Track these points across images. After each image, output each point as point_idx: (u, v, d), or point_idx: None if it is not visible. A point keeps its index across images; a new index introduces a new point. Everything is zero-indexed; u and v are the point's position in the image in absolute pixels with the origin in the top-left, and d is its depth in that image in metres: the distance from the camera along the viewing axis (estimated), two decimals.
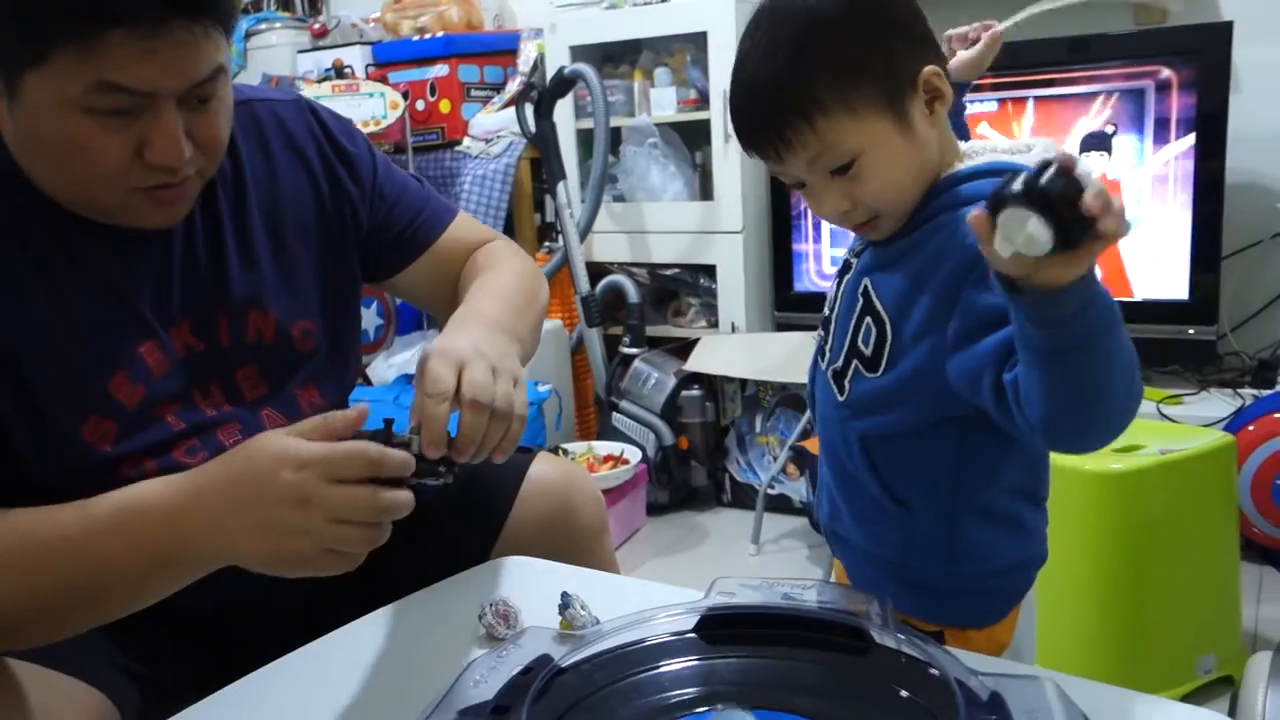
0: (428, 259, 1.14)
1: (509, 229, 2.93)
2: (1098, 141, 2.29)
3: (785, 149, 0.84)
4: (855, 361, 0.90)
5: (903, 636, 0.70)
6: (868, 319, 0.88)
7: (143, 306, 0.93)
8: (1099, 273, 0.68)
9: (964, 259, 0.79)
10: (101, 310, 0.91)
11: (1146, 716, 0.73)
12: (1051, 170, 0.61)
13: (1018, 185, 0.62)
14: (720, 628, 0.77)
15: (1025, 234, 0.62)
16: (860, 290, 0.89)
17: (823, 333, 0.96)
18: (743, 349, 2.59)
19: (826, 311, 0.96)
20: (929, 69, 0.84)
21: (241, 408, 0.99)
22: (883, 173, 0.84)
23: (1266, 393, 2.15)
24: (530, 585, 1.00)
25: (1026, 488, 0.93)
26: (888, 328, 0.86)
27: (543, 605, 0.90)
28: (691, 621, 0.77)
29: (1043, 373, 0.71)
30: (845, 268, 0.95)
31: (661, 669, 0.74)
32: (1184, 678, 1.54)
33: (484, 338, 0.89)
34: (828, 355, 0.94)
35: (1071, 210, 0.61)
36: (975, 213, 0.65)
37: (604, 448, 2.56)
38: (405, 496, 0.77)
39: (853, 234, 0.94)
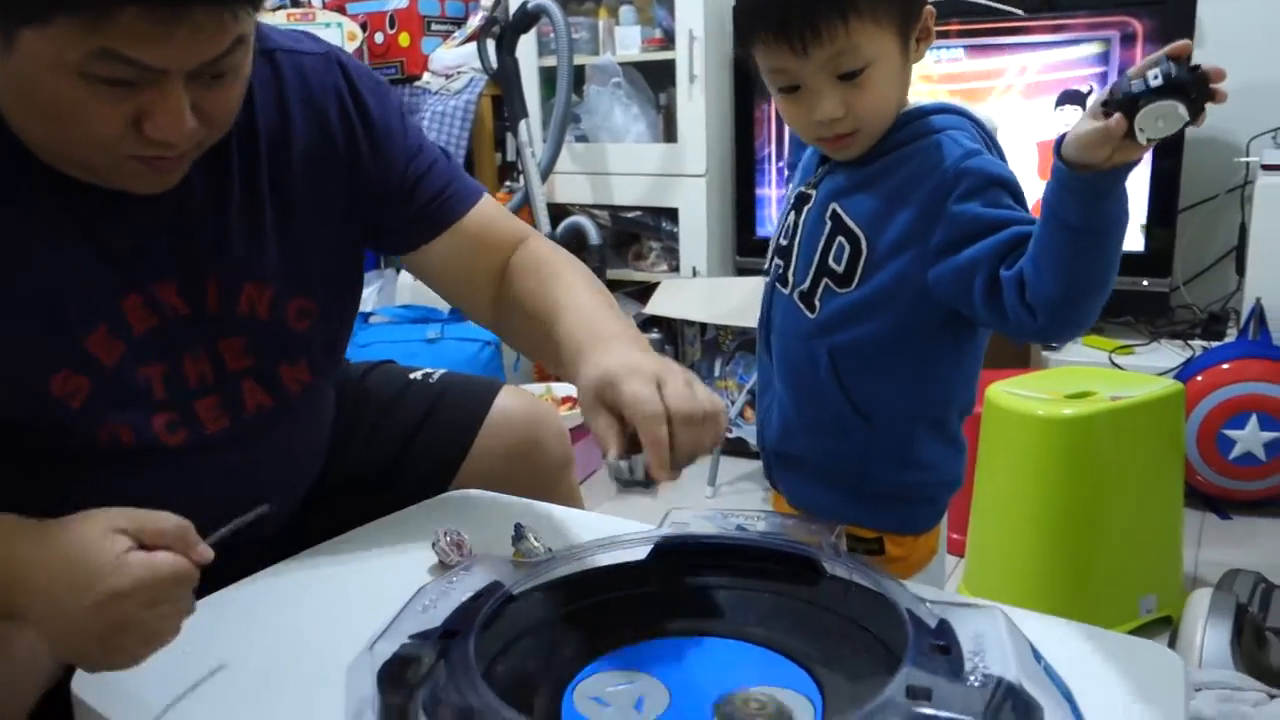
0: (453, 238, 1.05)
1: (469, 167, 2.88)
2: (1073, 97, 2.29)
3: (813, 41, 0.88)
4: (825, 280, 0.97)
5: (853, 565, 0.70)
6: (839, 238, 0.95)
7: (130, 258, 0.87)
8: None
9: (945, 179, 0.90)
10: (87, 261, 0.86)
11: (1092, 647, 0.74)
12: (1174, 65, 0.75)
13: (1153, 83, 0.75)
14: (674, 558, 0.76)
15: (1172, 118, 0.75)
16: (828, 214, 0.97)
17: (780, 261, 1.03)
18: (703, 293, 2.58)
19: (783, 241, 1.03)
20: (928, 7, 0.93)
21: (223, 378, 0.94)
22: (881, 88, 0.91)
23: (1215, 344, 2.18)
24: (484, 517, 0.99)
25: (964, 409, 1.02)
26: (862, 244, 0.94)
27: (496, 537, 0.89)
28: (645, 551, 0.77)
29: (1071, 250, 0.81)
30: (802, 199, 1.01)
31: (613, 597, 0.74)
32: (1126, 617, 1.58)
33: (647, 357, 0.84)
34: (791, 280, 1.00)
35: (1199, 87, 0.75)
36: (1113, 120, 0.75)
37: (562, 389, 2.55)
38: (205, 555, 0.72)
39: (797, 169, 1.06)
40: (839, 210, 0.96)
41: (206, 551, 0.72)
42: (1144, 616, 1.63)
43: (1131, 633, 1.62)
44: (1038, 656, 0.59)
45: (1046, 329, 0.86)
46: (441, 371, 1.23)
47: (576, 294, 0.99)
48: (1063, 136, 0.80)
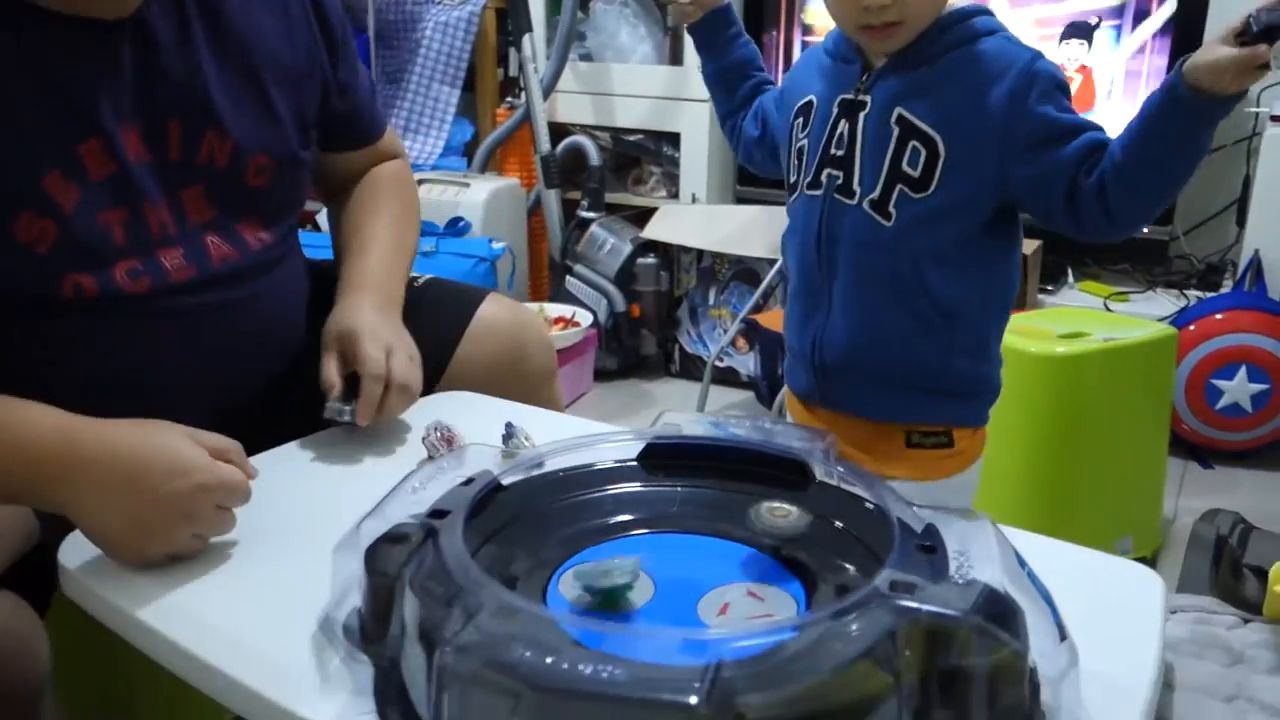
0: (354, 155, 1.18)
1: (469, 82, 2.83)
2: (1079, 31, 2.26)
3: None
4: (900, 186, 0.97)
5: (844, 471, 0.70)
6: (913, 143, 0.96)
7: (89, 101, 0.88)
8: None
9: (1021, 79, 0.92)
10: (43, 102, 0.85)
11: (1075, 563, 0.75)
12: None
13: None
14: (664, 458, 0.77)
15: None
16: (894, 119, 0.97)
17: (837, 172, 1.01)
18: (701, 220, 2.56)
19: (837, 152, 1.01)
20: None
21: (186, 230, 0.95)
22: None
23: (1211, 295, 2.18)
24: (475, 417, 0.99)
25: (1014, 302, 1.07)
26: (939, 146, 0.95)
27: (486, 438, 0.89)
28: (636, 450, 0.77)
29: (1171, 168, 0.89)
30: (852, 106, 1.00)
31: (602, 493, 0.74)
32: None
33: (388, 321, 1.02)
34: (858, 190, 0.99)
35: None
36: (1260, 49, 0.80)
37: (555, 309, 2.54)
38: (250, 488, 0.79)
39: (789, 88, 1.09)
40: (906, 115, 0.96)
41: (253, 470, 0.80)
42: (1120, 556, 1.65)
43: None
44: (1022, 563, 0.60)
45: (1118, 231, 0.94)
46: (428, 277, 1.22)
47: (378, 230, 1.13)
48: (1184, 62, 0.84)
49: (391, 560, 0.61)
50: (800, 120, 1.05)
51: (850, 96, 1.00)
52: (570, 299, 2.59)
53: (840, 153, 1.01)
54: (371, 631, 0.63)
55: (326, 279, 1.14)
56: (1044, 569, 0.62)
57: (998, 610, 0.53)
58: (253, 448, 0.93)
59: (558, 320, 2.50)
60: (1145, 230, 2.26)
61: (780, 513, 0.66)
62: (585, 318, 2.50)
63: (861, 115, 0.99)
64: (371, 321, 0.99)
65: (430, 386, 1.11)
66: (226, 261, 0.97)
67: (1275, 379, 2.00)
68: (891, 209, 0.97)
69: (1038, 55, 0.95)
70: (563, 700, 0.47)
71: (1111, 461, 1.59)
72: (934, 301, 0.99)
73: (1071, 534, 0.76)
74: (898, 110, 0.97)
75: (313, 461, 0.93)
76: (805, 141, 1.04)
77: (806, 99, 1.05)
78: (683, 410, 2.48)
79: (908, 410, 1.02)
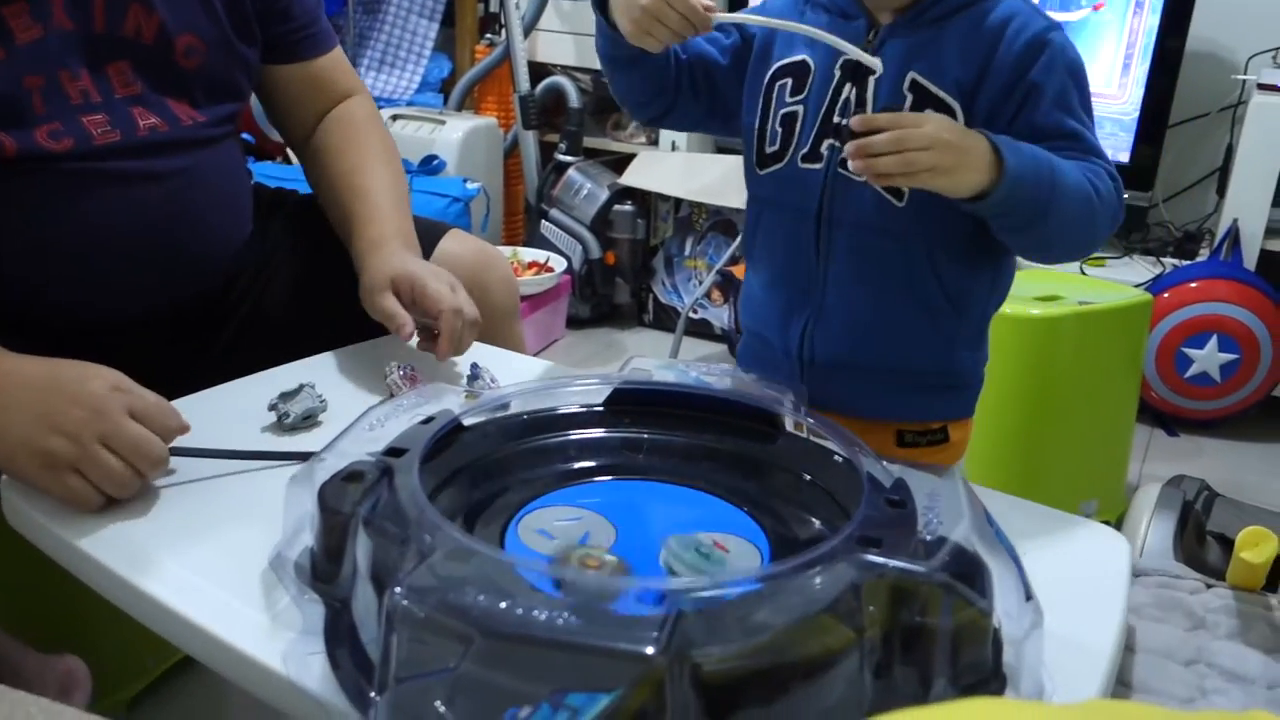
0: (297, 71, 1.14)
1: (449, 16, 2.77)
2: None
3: None
4: None
5: (813, 422, 0.69)
6: (928, 110, 0.84)
7: None
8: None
9: (1028, 53, 0.84)
10: None
11: (1043, 523, 0.74)
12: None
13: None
14: (631, 404, 0.75)
15: None
16: (907, 85, 0.85)
17: (839, 142, 0.88)
18: (681, 168, 2.52)
19: (841, 119, 0.88)
20: None
21: (111, 101, 0.95)
22: None
23: (1187, 263, 2.18)
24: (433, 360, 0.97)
25: None
26: (957, 115, 0.85)
27: (450, 379, 0.87)
28: (602, 395, 0.75)
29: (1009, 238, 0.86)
30: (861, 69, 0.87)
31: (566, 438, 0.73)
32: None
33: (429, 265, 1.02)
34: None
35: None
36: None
37: (529, 254, 2.50)
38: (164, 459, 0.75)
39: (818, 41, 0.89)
40: (920, 80, 0.85)
41: (183, 423, 0.76)
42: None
43: None
44: (990, 522, 0.59)
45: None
46: None
47: (378, 178, 1.11)
48: None
49: (345, 498, 0.59)
50: (789, 83, 0.92)
51: (850, 60, 0.87)
52: (545, 244, 2.56)
53: (846, 121, 0.87)
54: (323, 571, 0.61)
55: (282, 204, 1.12)
56: (1012, 528, 0.61)
57: (964, 568, 0.52)
58: (203, 364, 0.91)
59: (531, 265, 2.47)
60: (1126, 195, 2.25)
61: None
62: (559, 263, 2.47)
63: (872, 80, 0.87)
64: (423, 265, 1.00)
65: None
66: (155, 131, 0.97)
67: (1245, 349, 2.01)
68: (904, 187, 0.86)
69: (1052, 26, 0.86)
70: (515, 646, 0.45)
71: (1081, 424, 1.59)
72: (945, 291, 0.90)
73: (1038, 495, 0.75)
74: (911, 75, 0.86)
75: (270, 395, 0.91)
76: (799, 108, 0.91)
77: (796, 59, 0.92)
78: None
79: (902, 407, 0.94)
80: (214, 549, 0.68)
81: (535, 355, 2.35)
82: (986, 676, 0.53)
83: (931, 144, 0.78)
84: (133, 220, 0.96)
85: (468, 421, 0.70)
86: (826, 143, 0.89)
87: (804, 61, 0.91)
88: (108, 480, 0.71)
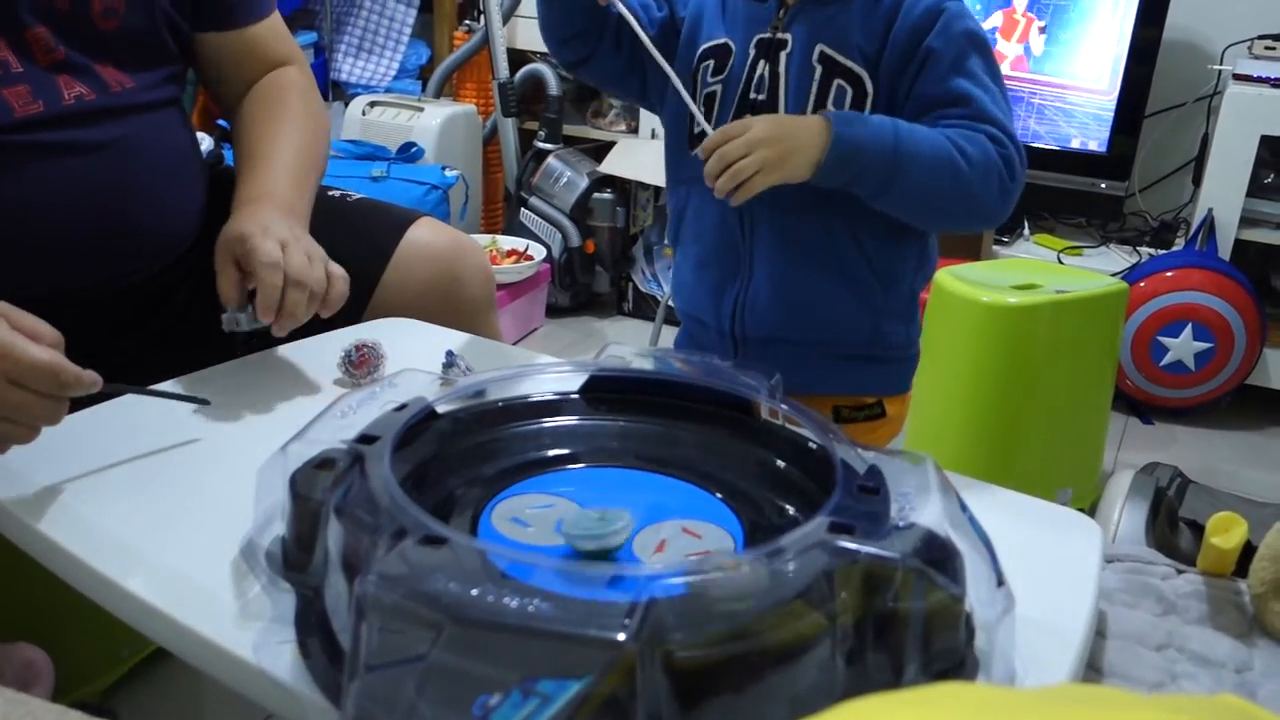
0: (230, 39, 1.10)
1: (427, 1, 2.74)
2: None
3: None
4: None
5: (788, 409, 0.68)
6: (838, 81, 0.88)
7: None
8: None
9: (923, 20, 0.87)
10: None
11: (1015, 510, 0.75)
12: None
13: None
14: (607, 391, 0.74)
15: None
16: (816, 57, 0.89)
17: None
18: (660, 156, 2.51)
19: (757, 96, 0.93)
20: None
21: (32, 69, 0.91)
22: None
23: (1163, 252, 2.20)
24: (412, 345, 0.96)
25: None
26: (866, 84, 0.88)
27: (425, 367, 0.87)
28: (578, 382, 0.75)
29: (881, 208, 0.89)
30: (771, 46, 0.92)
31: (540, 425, 0.72)
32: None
33: (285, 223, 0.92)
34: None
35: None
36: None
37: (508, 242, 2.50)
38: (90, 377, 0.70)
39: (696, 21, 0.97)
40: (829, 52, 0.89)
41: (84, 376, 0.70)
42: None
43: None
44: (963, 508, 0.59)
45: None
46: (359, 196, 1.18)
47: (280, 141, 1.05)
48: None
49: (317, 486, 0.58)
50: (711, 64, 0.96)
51: (768, 36, 0.92)
52: (524, 232, 2.55)
53: (760, 97, 0.92)
54: (294, 559, 0.61)
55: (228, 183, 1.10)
56: (985, 514, 0.61)
57: (936, 554, 0.53)
58: (156, 357, 0.89)
59: (510, 253, 2.46)
60: (1102, 185, 2.27)
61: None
62: (539, 251, 2.46)
63: (783, 55, 0.91)
64: (265, 222, 0.90)
65: (356, 312, 1.07)
66: (81, 100, 0.93)
67: (1219, 338, 2.03)
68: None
69: None
70: (486, 633, 0.45)
71: (1057, 412, 1.60)
72: (869, 265, 0.93)
73: (1013, 482, 0.76)
74: (820, 47, 0.90)
75: (235, 385, 0.90)
76: (718, 87, 0.95)
77: (719, 41, 0.96)
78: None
79: (837, 381, 0.97)
80: (183, 537, 0.67)
81: (514, 344, 2.34)
82: (958, 662, 0.54)
83: (750, 148, 0.83)
84: (63, 195, 0.92)
85: (441, 409, 0.69)
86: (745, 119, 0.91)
87: (726, 44, 0.95)
88: (35, 415, 0.68)
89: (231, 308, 0.89)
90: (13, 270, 0.90)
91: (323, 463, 0.59)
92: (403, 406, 0.66)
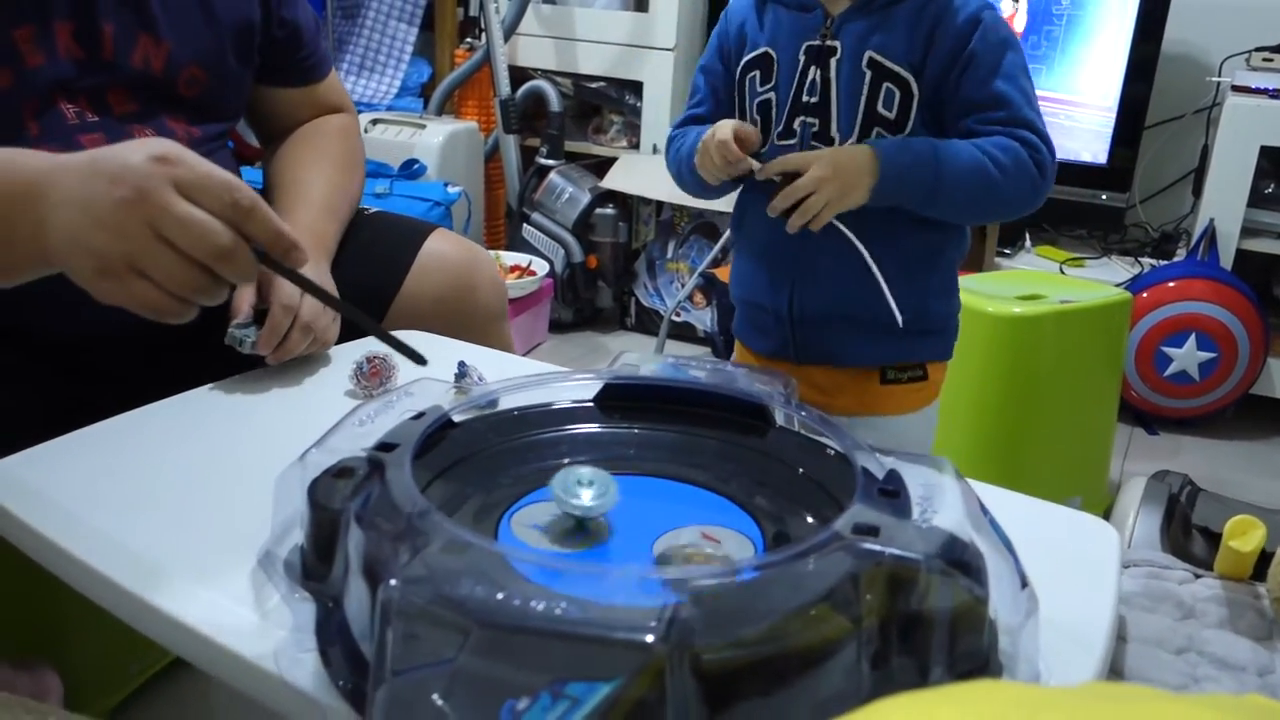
0: (300, 95, 1.16)
1: (428, 18, 2.76)
2: None
3: None
4: (877, 128, 0.98)
5: (804, 415, 0.69)
6: (886, 84, 0.97)
7: None
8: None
9: (965, 28, 0.95)
10: None
11: (1032, 515, 0.75)
12: None
13: None
14: (621, 399, 0.74)
15: None
16: (865, 63, 0.97)
17: (812, 119, 1.00)
18: (662, 170, 2.51)
19: (810, 99, 1.00)
20: None
21: (108, 119, 0.94)
22: None
23: (1164, 263, 2.20)
24: (426, 355, 0.96)
25: None
26: (911, 86, 0.97)
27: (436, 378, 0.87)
28: (593, 390, 0.75)
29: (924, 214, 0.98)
30: (822, 53, 0.99)
31: (557, 433, 0.72)
32: None
33: (314, 267, 0.95)
34: (836, 135, 1.00)
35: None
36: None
37: (511, 258, 2.50)
38: (247, 264, 0.65)
39: (725, 36, 1.07)
40: (877, 57, 0.97)
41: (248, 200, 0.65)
42: None
43: None
44: (984, 510, 0.59)
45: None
46: (375, 209, 1.19)
47: (312, 178, 1.08)
48: None
49: (336, 494, 0.58)
50: (757, 74, 1.03)
51: (817, 43, 1.00)
52: (527, 247, 2.55)
53: (814, 99, 1.00)
54: (314, 568, 0.61)
55: None
56: (1002, 519, 0.61)
57: (960, 556, 0.52)
58: (178, 376, 0.90)
59: (514, 269, 2.46)
60: (1103, 197, 2.28)
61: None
62: (541, 267, 2.46)
63: (833, 61, 0.99)
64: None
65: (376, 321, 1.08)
66: None
67: (1223, 347, 2.03)
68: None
69: (986, 6, 0.97)
70: (512, 637, 0.45)
71: (1063, 422, 1.60)
72: (916, 249, 1.01)
73: (1022, 490, 0.76)
74: (868, 54, 0.97)
75: (249, 397, 0.90)
76: (771, 94, 1.03)
77: (760, 52, 1.03)
78: None
79: (886, 353, 1.05)
80: (201, 547, 0.67)
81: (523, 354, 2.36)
82: (982, 664, 0.53)
83: (816, 186, 0.93)
84: None
85: (458, 418, 0.69)
86: (799, 120, 1.01)
87: (767, 53, 1.03)
88: (171, 280, 0.62)
89: (237, 323, 0.92)
90: (60, 304, 0.87)
91: (341, 471, 0.59)
92: (420, 415, 0.66)
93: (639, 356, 0.78)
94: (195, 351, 0.93)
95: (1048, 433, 1.59)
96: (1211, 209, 2.10)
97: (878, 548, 0.51)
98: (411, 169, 2.41)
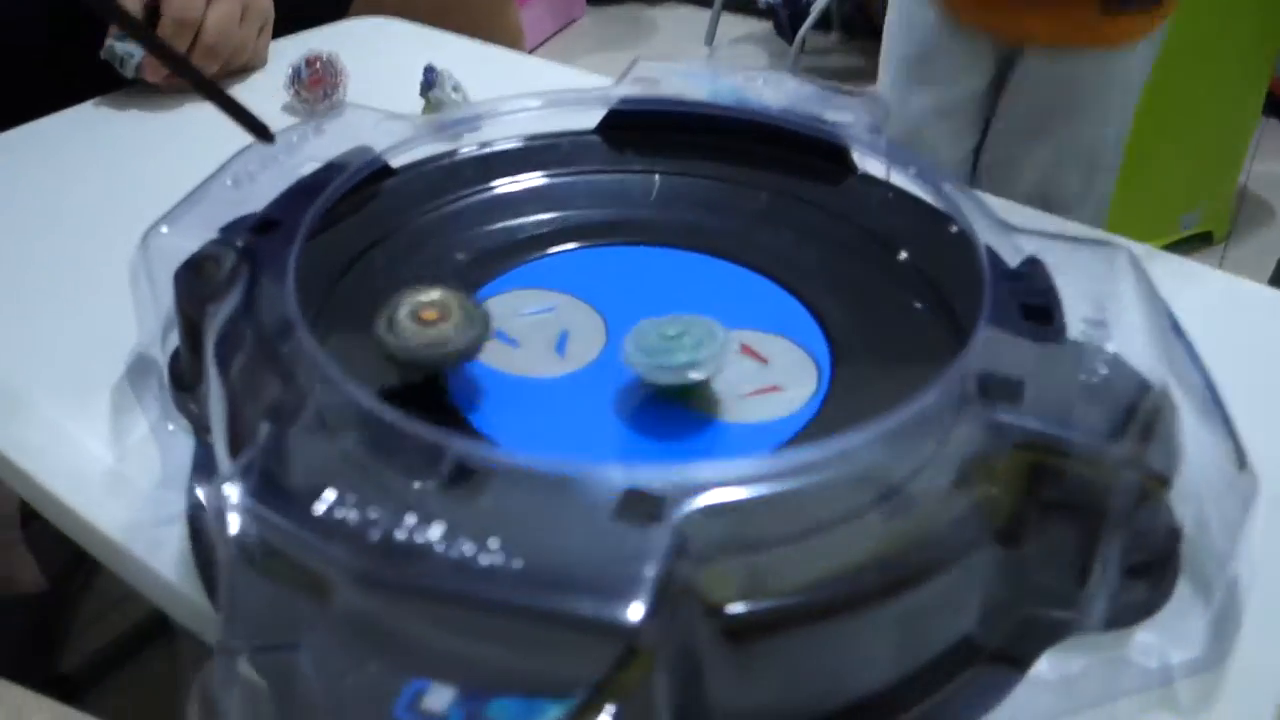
0: None
1: None
2: None
3: None
4: None
5: (905, 161, 0.46)
6: None
7: None
8: None
9: None
10: None
11: (1228, 300, 0.53)
12: None
13: None
14: (634, 129, 0.52)
15: None
16: None
17: None
18: None
19: None
20: None
21: None
22: None
23: None
24: (388, 56, 0.73)
25: None
26: None
27: (402, 86, 0.65)
28: (595, 118, 0.53)
29: None
30: None
31: (538, 183, 0.51)
32: (1164, 231, 1.41)
33: None
34: None
35: None
36: None
37: None
38: None
39: None
40: None
41: None
42: (1184, 232, 1.45)
43: (1165, 248, 1.44)
44: (1178, 330, 0.38)
45: None
46: None
47: None
48: None
49: (194, 295, 0.39)
50: None
51: None
52: None
53: None
54: (191, 380, 0.43)
55: None
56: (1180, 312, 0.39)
57: (1151, 429, 0.32)
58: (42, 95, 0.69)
59: None
60: None
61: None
62: None
63: None
64: None
65: (339, 8, 0.85)
66: None
67: None
68: None
69: None
70: (404, 601, 0.27)
71: (1194, 119, 1.33)
72: None
73: (1132, 203, 0.54)
74: None
75: (146, 114, 0.69)
76: None
77: None
78: (686, 43, 2.14)
79: None
80: (52, 346, 0.49)
81: (544, 41, 2.04)
82: (1158, 578, 0.35)
83: None
84: None
85: (395, 162, 0.48)
86: None
87: None
88: None
89: (119, 33, 0.68)
90: None
91: (198, 263, 0.40)
92: (333, 166, 0.45)
93: (661, 66, 0.54)
94: (62, 67, 0.71)
95: (1174, 131, 1.32)
96: None
97: (1018, 422, 0.31)
98: None
